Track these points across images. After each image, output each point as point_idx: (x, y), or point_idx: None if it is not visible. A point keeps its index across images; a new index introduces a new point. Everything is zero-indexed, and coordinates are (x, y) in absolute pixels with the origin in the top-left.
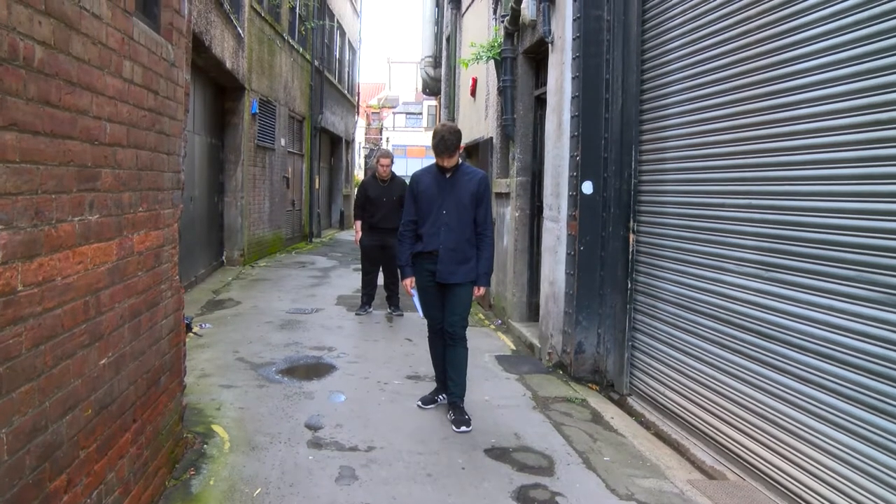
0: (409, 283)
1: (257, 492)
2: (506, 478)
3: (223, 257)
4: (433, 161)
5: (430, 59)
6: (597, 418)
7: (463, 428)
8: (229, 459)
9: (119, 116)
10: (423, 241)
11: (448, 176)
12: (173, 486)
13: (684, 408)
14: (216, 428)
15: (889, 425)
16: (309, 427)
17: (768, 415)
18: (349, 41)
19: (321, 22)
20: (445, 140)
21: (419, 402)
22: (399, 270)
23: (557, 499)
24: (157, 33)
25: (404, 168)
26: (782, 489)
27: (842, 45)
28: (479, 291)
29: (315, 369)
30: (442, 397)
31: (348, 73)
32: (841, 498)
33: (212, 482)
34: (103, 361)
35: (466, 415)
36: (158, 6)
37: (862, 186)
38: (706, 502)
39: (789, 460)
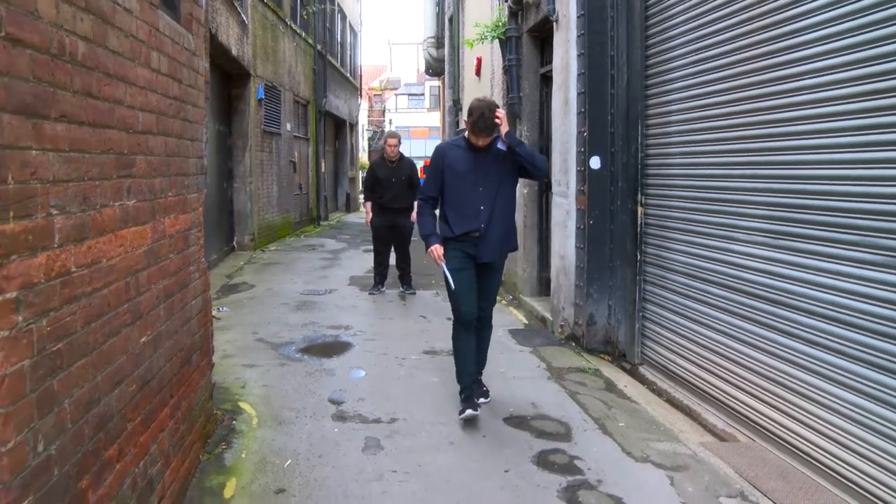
0: (436, 251)
1: (287, 463)
2: (525, 444)
3: (234, 242)
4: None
5: (433, 40)
6: (610, 387)
7: (481, 400)
8: (258, 434)
9: (149, 105)
10: (455, 223)
11: (481, 151)
12: (207, 459)
13: (695, 374)
14: (243, 405)
15: (890, 381)
16: (332, 402)
17: (777, 378)
18: (350, 24)
19: (322, 6)
20: (486, 118)
21: (462, 417)
22: (424, 241)
23: (576, 462)
24: (178, 24)
25: (408, 149)
26: (791, 448)
27: (841, 17)
28: None
29: (333, 347)
30: (481, 400)
31: (350, 56)
32: (845, 452)
33: (243, 455)
34: (143, 339)
35: (485, 386)
36: None
37: (862, 154)
38: (718, 462)
39: (798, 420)
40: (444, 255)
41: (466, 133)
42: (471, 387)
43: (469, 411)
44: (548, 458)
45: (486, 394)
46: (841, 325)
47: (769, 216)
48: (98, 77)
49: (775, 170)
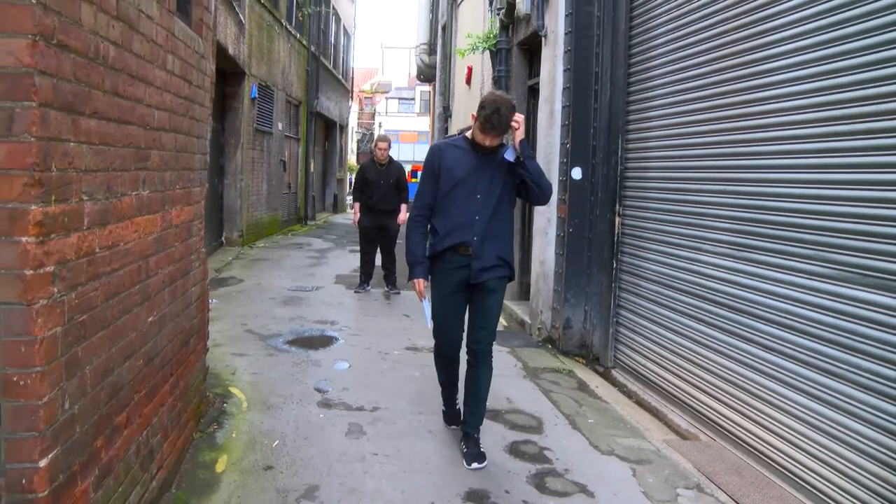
0: (420, 286)
1: (275, 443)
2: (499, 435)
3: (223, 238)
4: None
5: (425, 47)
6: (583, 387)
7: (475, 465)
8: (248, 416)
9: (164, 104)
10: (445, 233)
11: (485, 154)
12: (200, 437)
13: (663, 378)
14: (233, 390)
15: (838, 385)
16: (318, 390)
17: (737, 381)
18: (344, 27)
19: (318, 8)
20: (501, 115)
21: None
22: (409, 268)
23: (545, 452)
24: (190, 28)
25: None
26: (747, 446)
27: (805, 48)
28: None
29: (319, 340)
30: (474, 465)
31: (343, 58)
32: (795, 451)
33: (234, 435)
34: (150, 319)
35: (482, 448)
36: (191, 4)
37: (820, 175)
38: (679, 458)
39: (753, 420)
40: (432, 280)
41: (470, 132)
42: (456, 410)
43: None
44: (519, 448)
45: (480, 457)
46: (794, 332)
47: (734, 229)
48: (123, 78)
49: (740, 186)
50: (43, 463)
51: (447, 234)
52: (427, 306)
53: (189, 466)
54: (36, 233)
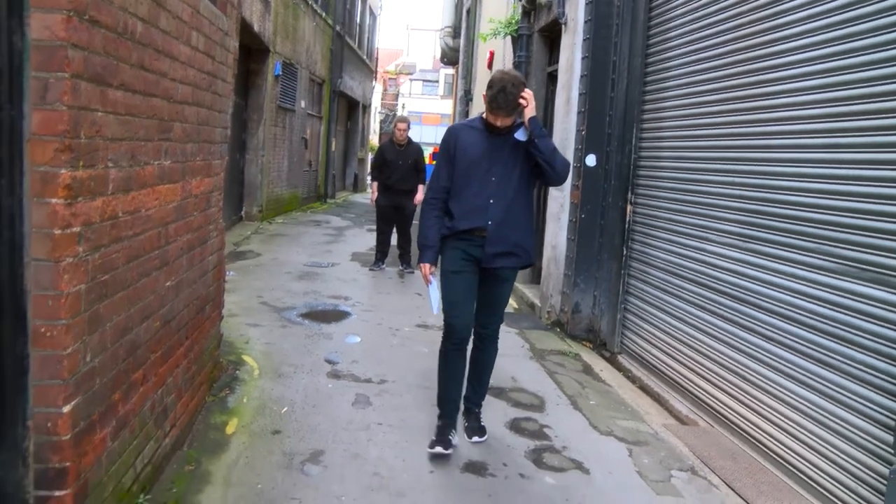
0: (427, 270)
1: (284, 409)
2: (501, 411)
3: (242, 213)
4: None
5: (450, 30)
6: (587, 370)
7: (475, 438)
8: (259, 383)
9: (187, 79)
10: (459, 217)
11: (500, 135)
12: (212, 401)
13: (667, 364)
14: (246, 358)
15: (832, 376)
16: (328, 361)
17: (737, 369)
18: (370, 7)
19: None
20: (507, 93)
21: (431, 453)
22: (419, 251)
23: (545, 430)
24: (214, 6)
25: (419, 135)
26: (743, 433)
27: (817, 44)
28: None
29: (332, 314)
30: (475, 438)
31: (368, 38)
32: (789, 439)
33: (245, 400)
34: (168, 283)
35: (482, 423)
36: None
37: (824, 169)
38: (676, 441)
39: (751, 408)
40: (442, 254)
41: (484, 112)
42: (452, 415)
43: (438, 448)
44: (520, 424)
45: (481, 430)
46: (792, 323)
47: (740, 220)
48: (150, 52)
49: (748, 178)
50: (66, 409)
51: (461, 217)
52: (433, 292)
53: (201, 427)
54: (65, 195)
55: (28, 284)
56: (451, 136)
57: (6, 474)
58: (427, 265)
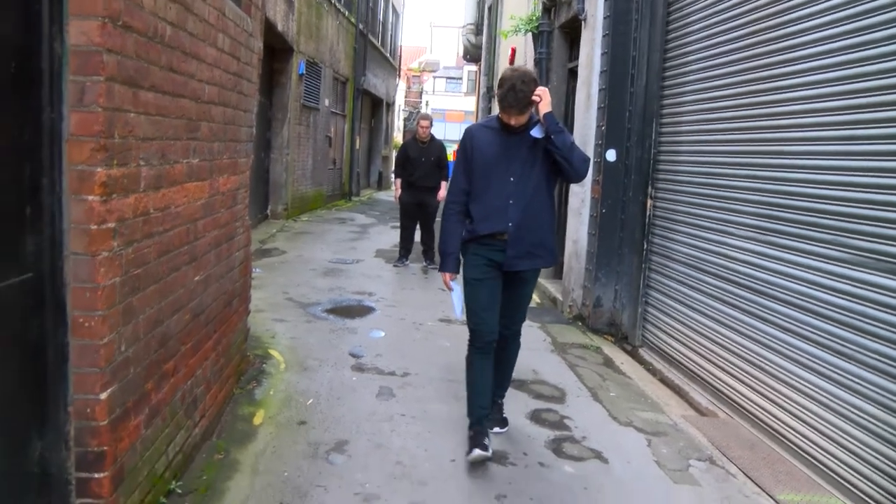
0: (447, 279)
1: (310, 402)
2: (522, 403)
3: (268, 211)
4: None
5: (472, 27)
6: (608, 363)
7: (497, 429)
8: (285, 377)
9: (213, 79)
10: (479, 220)
11: (516, 134)
12: (239, 393)
13: (688, 357)
14: (272, 352)
15: (848, 366)
16: (352, 355)
17: (755, 360)
18: (392, 5)
19: None
20: (517, 90)
21: (470, 459)
22: (441, 258)
23: (566, 421)
24: (239, 8)
25: (442, 132)
26: (762, 424)
27: (833, 37)
28: None
29: (356, 310)
30: (496, 429)
31: (391, 36)
32: (807, 429)
33: (271, 393)
34: (197, 278)
35: (504, 414)
36: None
37: (841, 161)
38: (695, 433)
39: (769, 399)
40: (464, 260)
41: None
42: (482, 422)
43: (477, 451)
44: (541, 415)
45: (502, 422)
46: (810, 314)
47: (759, 213)
48: (178, 55)
49: (767, 171)
50: (103, 396)
51: (481, 220)
52: (456, 297)
53: (229, 418)
54: (100, 192)
55: (67, 277)
56: (468, 138)
57: (51, 456)
58: (446, 274)
